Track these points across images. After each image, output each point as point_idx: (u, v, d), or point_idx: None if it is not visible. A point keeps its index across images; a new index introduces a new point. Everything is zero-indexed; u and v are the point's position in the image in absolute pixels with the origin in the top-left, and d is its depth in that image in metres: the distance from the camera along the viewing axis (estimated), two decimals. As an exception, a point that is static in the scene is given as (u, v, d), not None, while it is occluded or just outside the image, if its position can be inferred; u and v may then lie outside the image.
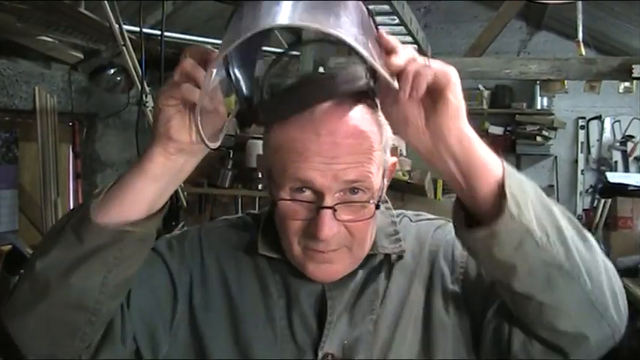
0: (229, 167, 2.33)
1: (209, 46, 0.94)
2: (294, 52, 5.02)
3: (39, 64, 4.17)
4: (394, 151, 1.13)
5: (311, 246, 1.03)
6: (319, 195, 1.01)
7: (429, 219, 1.24)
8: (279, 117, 1.03)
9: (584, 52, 4.64)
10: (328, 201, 1.00)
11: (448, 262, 1.15)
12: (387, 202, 1.18)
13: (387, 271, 1.14)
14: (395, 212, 1.21)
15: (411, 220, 1.22)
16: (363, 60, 0.87)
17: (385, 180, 1.09)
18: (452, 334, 1.09)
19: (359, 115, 1.03)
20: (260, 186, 2.32)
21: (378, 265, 1.14)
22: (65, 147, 4.53)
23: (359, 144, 1.01)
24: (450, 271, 1.14)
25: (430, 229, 1.20)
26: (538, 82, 6.02)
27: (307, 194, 1.02)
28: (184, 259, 1.15)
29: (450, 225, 1.11)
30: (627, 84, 5.14)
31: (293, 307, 1.11)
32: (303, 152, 1.00)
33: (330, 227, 1.00)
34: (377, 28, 0.90)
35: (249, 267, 1.14)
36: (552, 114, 6.64)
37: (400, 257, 1.15)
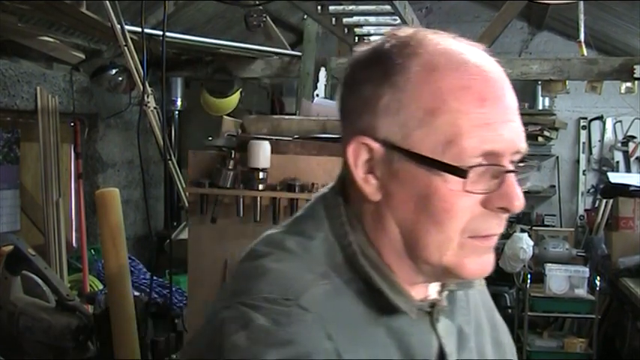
0: (231, 167, 2.33)
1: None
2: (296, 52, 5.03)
3: (40, 64, 4.18)
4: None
5: (486, 230, 0.83)
6: (498, 157, 0.81)
7: None
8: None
9: (585, 53, 4.64)
10: (510, 163, 0.82)
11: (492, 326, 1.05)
12: None
13: (465, 314, 0.97)
14: None
15: None
16: None
17: None
18: None
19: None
20: (261, 186, 2.31)
21: (457, 306, 0.96)
22: (67, 147, 4.53)
23: (517, 105, 0.85)
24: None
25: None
26: (539, 82, 6.00)
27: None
28: None
29: None
30: (629, 84, 5.13)
31: None
32: (485, 112, 0.80)
33: (521, 194, 0.82)
34: None
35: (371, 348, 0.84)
36: (554, 114, 6.64)
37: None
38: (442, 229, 0.81)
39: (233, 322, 0.78)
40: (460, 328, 0.94)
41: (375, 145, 0.83)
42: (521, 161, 0.84)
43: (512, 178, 0.81)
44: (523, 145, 0.83)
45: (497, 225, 0.83)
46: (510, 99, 0.83)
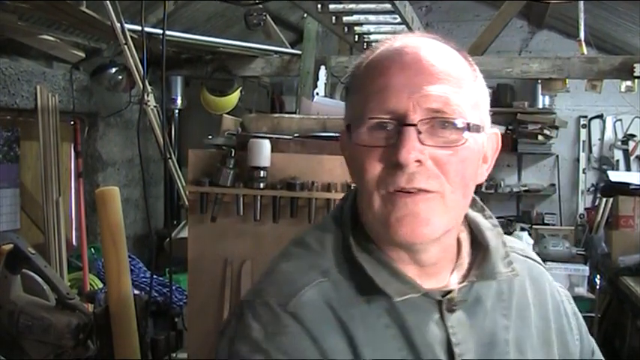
0: (231, 166, 2.33)
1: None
2: (296, 51, 5.03)
3: (40, 63, 4.18)
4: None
5: (393, 184, 0.87)
6: (398, 115, 0.87)
7: (534, 259, 1.11)
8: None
9: (585, 51, 4.64)
10: (411, 121, 0.86)
11: (572, 329, 1.08)
12: (491, 217, 1.04)
13: (505, 307, 0.99)
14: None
15: (518, 254, 1.07)
16: None
17: (488, 149, 0.96)
18: None
19: (448, 49, 0.93)
20: (261, 185, 2.32)
21: (496, 298, 0.98)
22: (67, 146, 4.53)
23: (447, 72, 0.89)
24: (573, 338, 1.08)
25: (543, 276, 1.08)
26: (539, 80, 6.01)
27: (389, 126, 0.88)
28: None
29: (551, 279, 1.09)
30: (629, 83, 5.14)
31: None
32: (386, 78, 0.88)
33: (411, 147, 0.84)
34: None
35: (360, 328, 0.89)
36: (554, 113, 6.64)
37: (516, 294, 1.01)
38: (363, 184, 0.90)
39: (238, 329, 0.89)
40: (494, 323, 0.96)
41: (345, 132, 0.95)
42: (436, 119, 0.88)
43: (406, 132, 0.85)
44: (434, 105, 0.87)
45: (406, 180, 0.86)
46: (424, 67, 0.88)
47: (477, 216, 1.02)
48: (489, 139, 0.96)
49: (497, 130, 0.98)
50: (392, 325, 0.90)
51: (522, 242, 1.13)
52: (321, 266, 0.92)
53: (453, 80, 0.88)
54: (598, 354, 1.15)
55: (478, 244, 0.99)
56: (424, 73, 0.88)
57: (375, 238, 0.93)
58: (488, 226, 1.01)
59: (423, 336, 0.90)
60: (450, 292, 0.93)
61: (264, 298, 0.90)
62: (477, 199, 1.02)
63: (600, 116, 6.70)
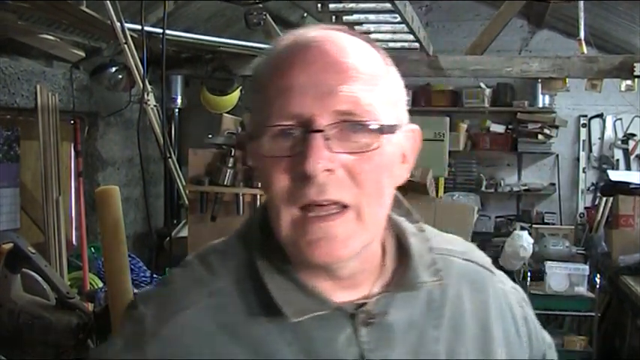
0: (231, 165, 2.33)
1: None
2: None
3: (40, 62, 4.18)
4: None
5: (303, 198, 0.79)
6: (303, 119, 0.79)
7: (478, 262, 1.01)
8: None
9: (585, 51, 4.64)
10: (317, 126, 0.78)
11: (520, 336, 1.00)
12: (418, 222, 0.96)
13: (436, 317, 0.91)
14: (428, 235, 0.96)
15: (457, 257, 0.98)
16: None
17: (407, 147, 0.88)
18: None
19: (358, 42, 0.85)
20: (260, 184, 2.32)
21: (425, 307, 0.90)
22: (67, 145, 4.53)
23: (357, 68, 0.81)
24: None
25: (486, 280, 0.99)
26: (539, 80, 6.01)
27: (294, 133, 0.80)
28: None
29: (503, 281, 1.02)
30: (629, 82, 5.14)
31: None
32: (287, 78, 0.80)
33: (318, 155, 0.77)
34: None
35: (245, 350, 0.84)
36: (554, 112, 6.64)
37: (447, 300, 0.93)
38: (271, 200, 0.82)
39: (117, 330, 0.88)
40: (420, 335, 0.89)
41: (248, 141, 0.86)
42: (346, 122, 0.80)
43: (313, 139, 0.77)
44: (342, 107, 0.79)
45: (316, 192, 0.78)
46: (331, 64, 0.80)
47: (401, 220, 0.93)
48: (407, 136, 0.88)
49: (416, 126, 0.90)
50: (295, 343, 0.83)
51: (467, 244, 1.04)
52: (215, 284, 0.86)
53: (363, 77, 0.80)
54: (551, 357, 1.08)
55: (404, 250, 0.91)
56: (331, 70, 0.79)
57: (287, 252, 0.85)
58: (413, 230, 0.93)
59: (332, 353, 0.83)
60: (362, 304, 0.86)
61: (147, 305, 0.86)
62: (404, 201, 0.95)
63: (600, 115, 6.69)
